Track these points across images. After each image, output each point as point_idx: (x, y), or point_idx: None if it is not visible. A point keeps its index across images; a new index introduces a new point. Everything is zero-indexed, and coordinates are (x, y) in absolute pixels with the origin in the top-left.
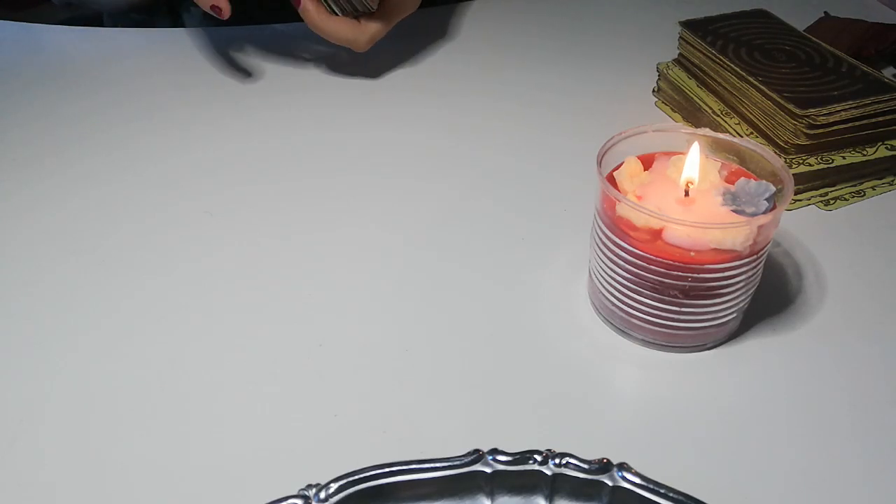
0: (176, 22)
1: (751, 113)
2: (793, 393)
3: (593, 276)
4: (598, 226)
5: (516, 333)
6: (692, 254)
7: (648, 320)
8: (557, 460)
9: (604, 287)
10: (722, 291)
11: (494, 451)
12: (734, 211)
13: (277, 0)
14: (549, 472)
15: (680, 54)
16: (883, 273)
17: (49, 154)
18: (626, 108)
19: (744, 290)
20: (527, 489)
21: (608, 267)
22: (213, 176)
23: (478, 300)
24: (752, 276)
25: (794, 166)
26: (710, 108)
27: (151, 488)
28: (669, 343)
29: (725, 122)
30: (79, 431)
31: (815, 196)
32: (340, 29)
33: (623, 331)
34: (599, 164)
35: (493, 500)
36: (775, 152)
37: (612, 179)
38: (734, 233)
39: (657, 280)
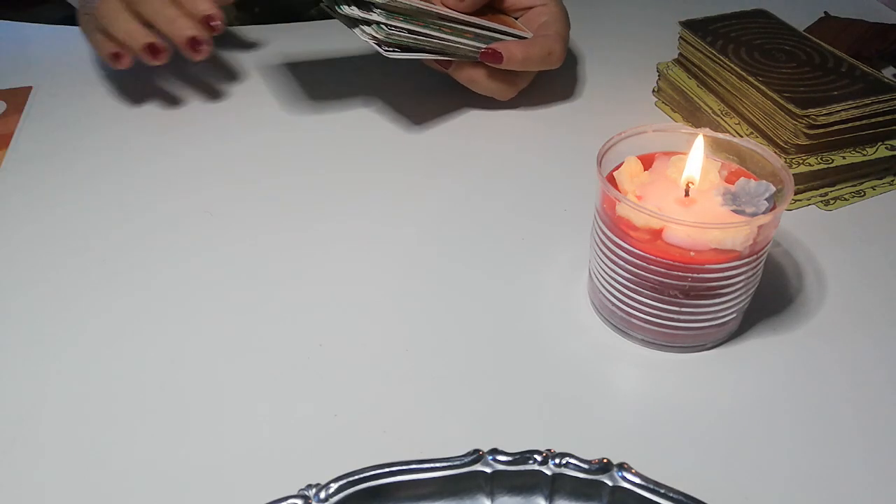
0: None
1: (751, 113)
2: (793, 393)
3: (593, 276)
4: (598, 226)
5: (516, 333)
6: (692, 254)
7: (648, 320)
8: (557, 460)
9: (604, 287)
10: (722, 291)
11: (494, 451)
12: (734, 211)
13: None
14: (549, 472)
15: (680, 54)
16: (883, 273)
17: (49, 154)
18: (626, 108)
19: (744, 290)
20: (527, 489)
21: (608, 267)
22: (213, 176)
23: (478, 300)
24: (752, 276)
25: (794, 166)
26: (710, 108)
27: (151, 488)
28: (669, 343)
29: (725, 122)
30: (78, 431)
31: (815, 196)
32: (491, 85)
33: (623, 331)
34: (599, 164)
35: (493, 500)
36: (775, 152)
37: (612, 179)
38: (734, 233)
39: (657, 280)
